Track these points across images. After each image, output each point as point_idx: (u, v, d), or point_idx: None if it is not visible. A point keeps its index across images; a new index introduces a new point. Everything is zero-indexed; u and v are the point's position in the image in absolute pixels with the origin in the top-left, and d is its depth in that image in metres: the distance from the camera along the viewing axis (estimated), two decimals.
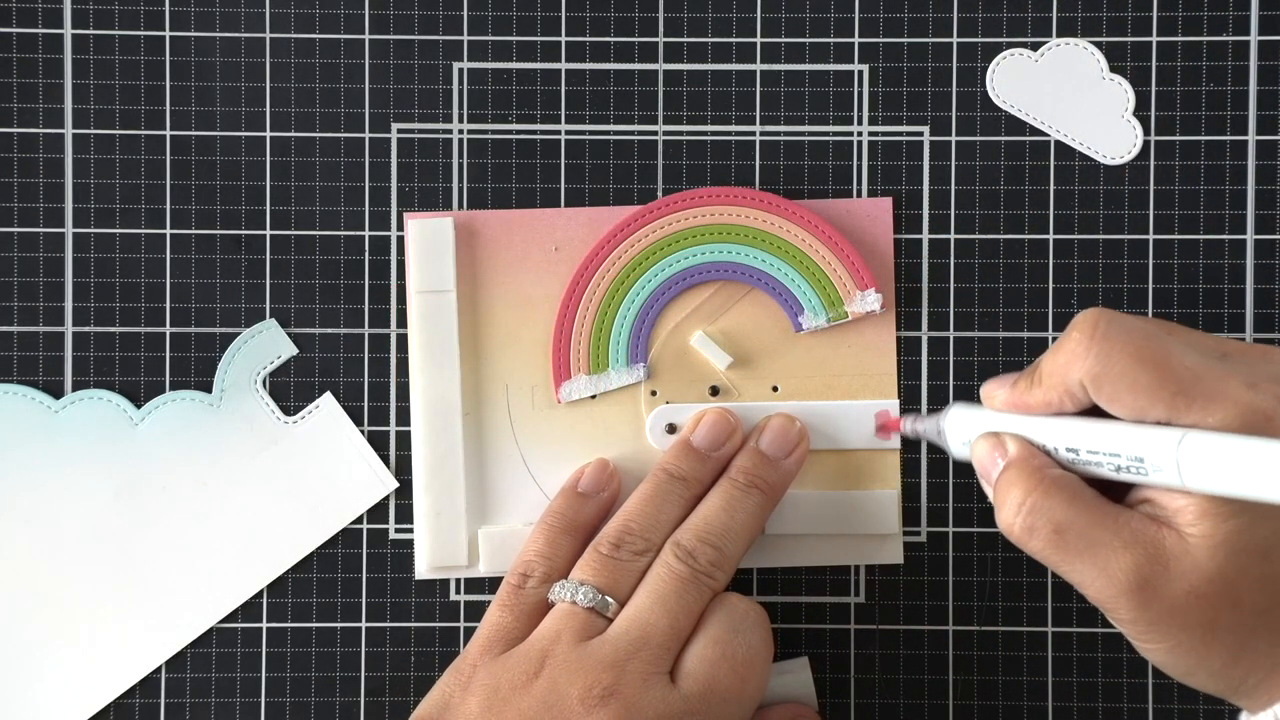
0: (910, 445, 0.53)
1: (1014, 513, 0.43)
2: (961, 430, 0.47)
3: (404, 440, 0.53)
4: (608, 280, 0.53)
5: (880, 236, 0.53)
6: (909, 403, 0.53)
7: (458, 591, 0.53)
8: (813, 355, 0.53)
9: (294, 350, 0.53)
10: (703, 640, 0.47)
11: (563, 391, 0.53)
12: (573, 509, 0.51)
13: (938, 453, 0.53)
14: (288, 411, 0.53)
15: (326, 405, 0.53)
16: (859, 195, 0.53)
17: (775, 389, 0.53)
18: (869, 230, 0.53)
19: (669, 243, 0.53)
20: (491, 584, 0.53)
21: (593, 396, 0.53)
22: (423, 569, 0.53)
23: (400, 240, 0.53)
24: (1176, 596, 0.41)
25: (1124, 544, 0.42)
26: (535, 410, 0.53)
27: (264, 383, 0.53)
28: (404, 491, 0.53)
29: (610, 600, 0.47)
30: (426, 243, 0.52)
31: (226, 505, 0.53)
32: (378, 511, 0.53)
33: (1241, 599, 0.41)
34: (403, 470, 0.53)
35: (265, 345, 0.53)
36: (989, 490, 0.45)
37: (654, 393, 0.53)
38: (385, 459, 0.53)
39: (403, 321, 0.53)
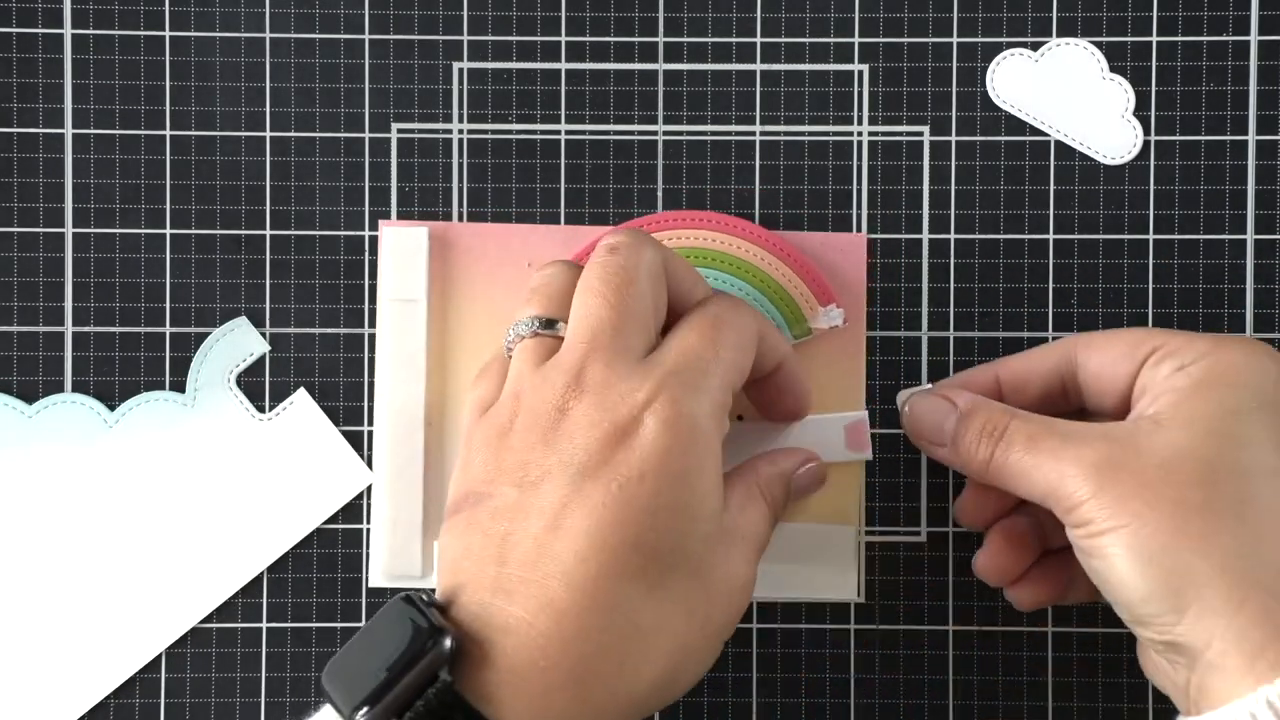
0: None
1: (980, 431, 0.45)
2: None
3: None
4: None
5: (852, 272, 0.53)
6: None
7: None
8: None
9: (266, 347, 0.53)
10: (682, 324, 0.45)
11: None
12: None
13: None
14: (262, 410, 0.53)
15: (300, 400, 0.53)
16: (858, 196, 0.53)
17: (740, 418, 0.52)
18: (841, 265, 0.53)
19: None
20: None
21: None
22: (377, 576, 0.52)
23: None
24: (1146, 471, 0.41)
25: (1098, 435, 0.43)
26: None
27: (237, 381, 0.53)
28: None
29: (555, 320, 0.45)
30: (400, 251, 0.52)
31: (206, 503, 0.53)
32: None
33: (1217, 479, 0.41)
34: None
35: (237, 343, 0.53)
36: (935, 443, 0.48)
37: None
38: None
39: None
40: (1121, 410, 0.46)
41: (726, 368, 0.44)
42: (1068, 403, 0.48)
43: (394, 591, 0.52)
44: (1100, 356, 0.47)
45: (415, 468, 0.52)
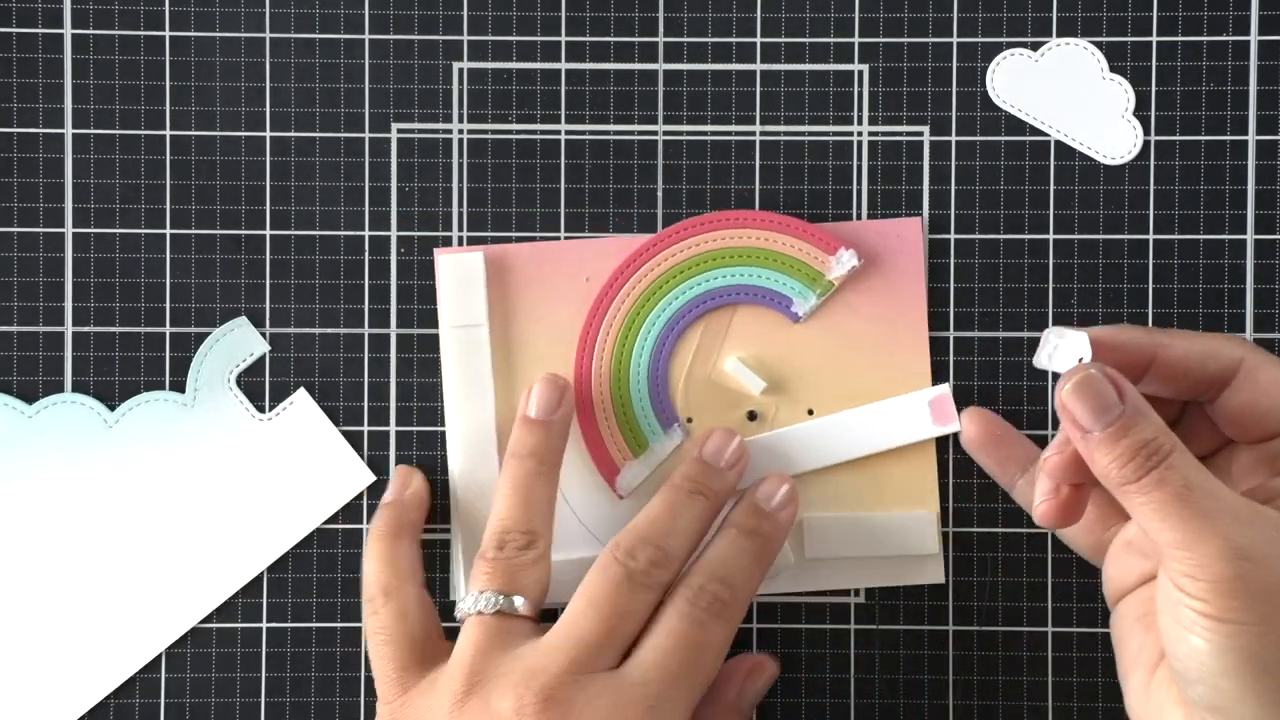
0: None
1: (1139, 447, 0.40)
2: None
3: (404, 440, 0.53)
4: (614, 331, 0.52)
5: (911, 255, 0.52)
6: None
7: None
8: (846, 377, 0.52)
9: (266, 347, 0.53)
10: (655, 631, 0.45)
11: (620, 485, 0.52)
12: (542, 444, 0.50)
13: (939, 453, 0.53)
14: (262, 410, 0.53)
15: (300, 400, 0.53)
16: (858, 196, 0.53)
17: (810, 412, 0.52)
18: (899, 250, 0.52)
19: (662, 283, 0.52)
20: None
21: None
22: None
23: (399, 240, 0.53)
24: None
25: (1254, 515, 0.39)
26: (569, 440, 0.52)
27: (237, 381, 0.53)
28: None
29: (516, 599, 0.46)
30: (457, 277, 0.52)
31: (206, 503, 0.53)
32: None
33: None
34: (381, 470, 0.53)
35: (237, 343, 0.53)
36: (1081, 426, 0.42)
37: (689, 419, 0.53)
38: (385, 459, 0.53)
39: (402, 321, 0.53)
40: (1265, 438, 0.45)
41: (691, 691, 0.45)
42: (1197, 396, 0.47)
43: (441, 583, 0.52)
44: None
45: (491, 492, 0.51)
